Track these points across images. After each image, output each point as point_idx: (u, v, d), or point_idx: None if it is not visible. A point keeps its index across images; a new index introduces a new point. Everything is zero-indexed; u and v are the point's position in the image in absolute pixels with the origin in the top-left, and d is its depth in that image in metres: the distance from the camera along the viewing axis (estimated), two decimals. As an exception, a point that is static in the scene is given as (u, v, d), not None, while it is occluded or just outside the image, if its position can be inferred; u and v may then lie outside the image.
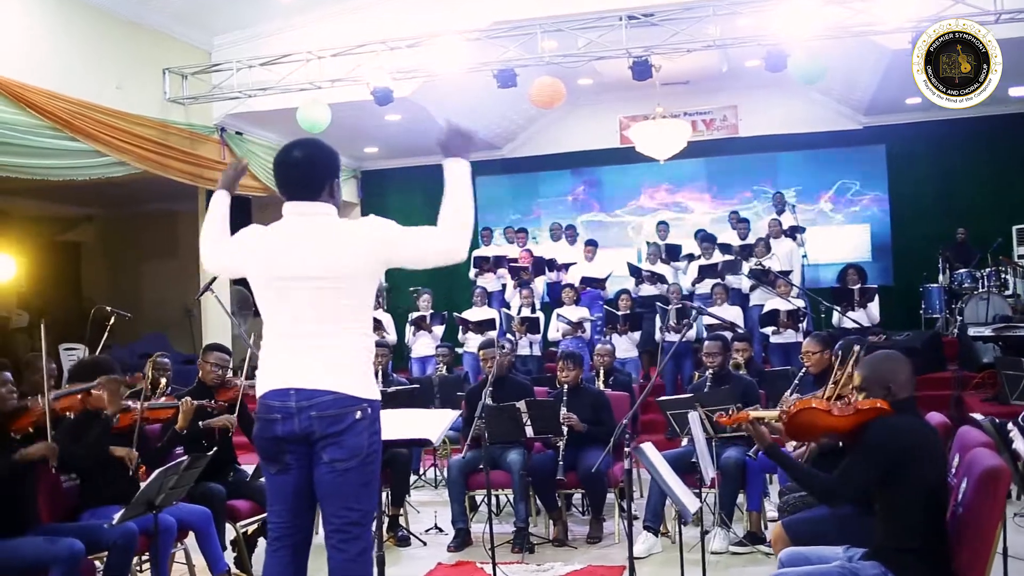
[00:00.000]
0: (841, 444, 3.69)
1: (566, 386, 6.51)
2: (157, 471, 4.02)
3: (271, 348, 3.26)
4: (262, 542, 5.76)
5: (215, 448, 5.29)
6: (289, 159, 3.32)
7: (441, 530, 6.73)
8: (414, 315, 10.62)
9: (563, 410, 6.30)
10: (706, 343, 6.54)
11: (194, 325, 14.54)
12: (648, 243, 11.82)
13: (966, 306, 11.62)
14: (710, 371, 6.44)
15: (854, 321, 9.23)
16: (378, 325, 10.53)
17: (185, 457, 4.13)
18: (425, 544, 6.47)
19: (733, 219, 12.25)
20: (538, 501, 6.45)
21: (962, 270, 12.05)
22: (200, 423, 5.53)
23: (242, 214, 12.04)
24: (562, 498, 6.48)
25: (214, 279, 6.22)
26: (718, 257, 10.97)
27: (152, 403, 5.27)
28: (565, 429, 6.25)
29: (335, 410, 3.12)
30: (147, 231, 15.52)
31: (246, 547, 5.65)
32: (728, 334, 7.90)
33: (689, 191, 14.36)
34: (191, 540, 5.15)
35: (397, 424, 3.40)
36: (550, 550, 6.20)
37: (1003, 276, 11.89)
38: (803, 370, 6.10)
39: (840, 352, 4.55)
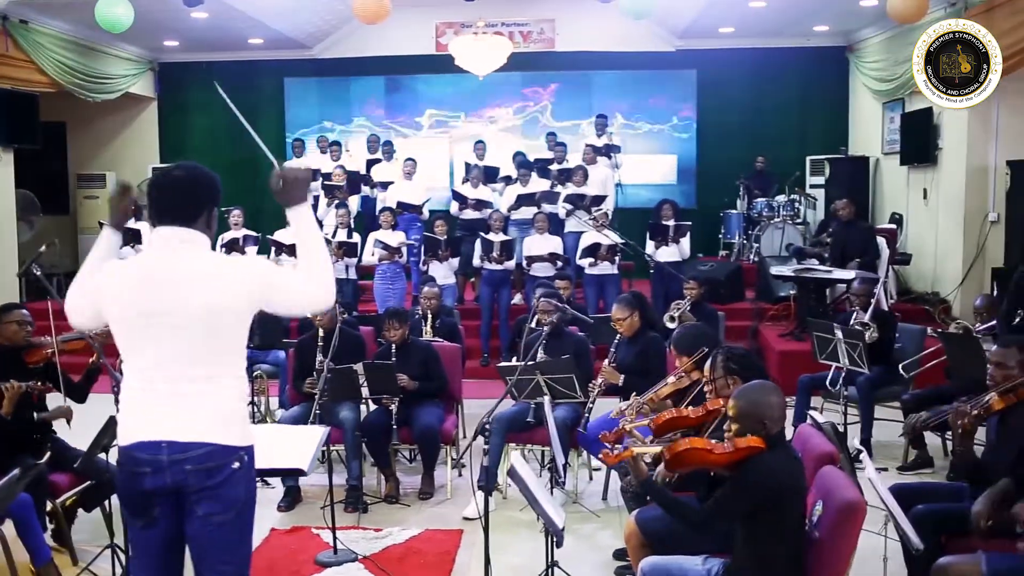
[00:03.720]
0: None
1: (394, 345, 6.43)
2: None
3: (136, 393, 2.99)
4: (82, 513, 5.47)
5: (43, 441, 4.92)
6: (168, 180, 3.05)
7: (267, 483, 6.56)
8: (226, 236, 10.08)
9: (392, 372, 6.25)
10: (541, 302, 6.58)
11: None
12: (469, 165, 11.64)
13: (763, 234, 12.25)
14: (545, 327, 6.47)
15: (653, 260, 9.58)
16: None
17: (16, 471, 3.79)
18: (253, 501, 6.29)
19: (551, 141, 12.26)
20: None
21: (760, 199, 12.63)
22: (36, 415, 5.12)
23: (28, 111, 11.14)
24: (392, 452, 6.45)
25: (40, 252, 5.65)
26: (535, 182, 10.97)
27: None
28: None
29: (212, 463, 2.92)
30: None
31: (65, 519, 5.32)
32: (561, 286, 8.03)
33: (505, 105, 14.22)
34: (8, 527, 4.80)
35: (264, 452, 3.21)
36: (384, 508, 6.18)
37: (797, 206, 12.56)
38: (617, 336, 6.24)
39: (706, 358, 4.66)
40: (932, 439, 6.89)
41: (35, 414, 5.20)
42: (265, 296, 3.01)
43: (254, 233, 10.28)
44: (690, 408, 4.33)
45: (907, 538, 3.60)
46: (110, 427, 4.73)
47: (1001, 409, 4.45)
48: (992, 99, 9.71)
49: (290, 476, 5.42)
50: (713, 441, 3.59)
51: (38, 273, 5.46)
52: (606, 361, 6.14)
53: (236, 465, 2.97)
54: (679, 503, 3.65)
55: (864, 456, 3.86)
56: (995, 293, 9.63)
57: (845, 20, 12.38)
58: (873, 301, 7.22)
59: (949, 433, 6.51)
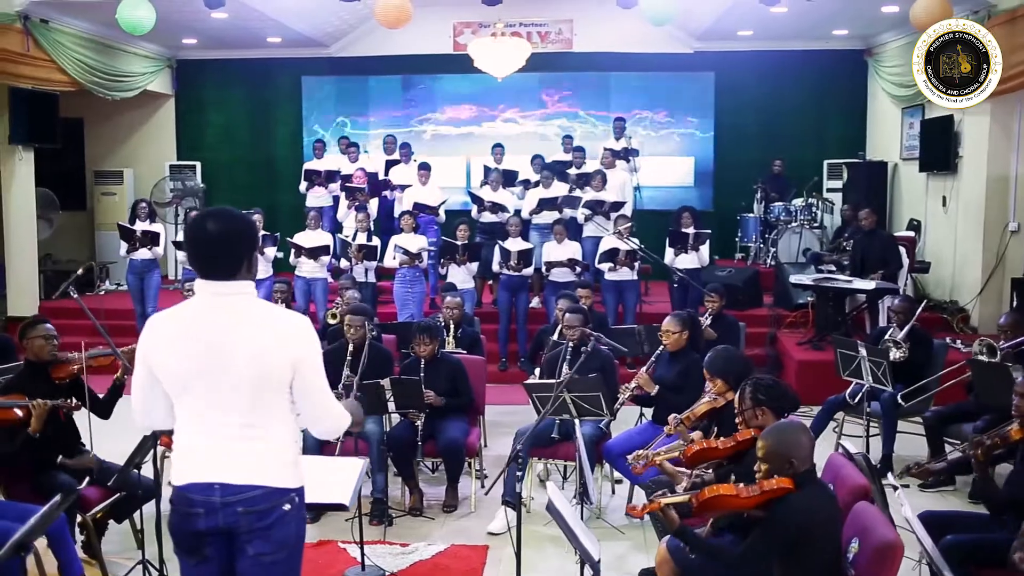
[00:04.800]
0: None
1: (423, 360, 6.46)
2: (34, 519, 3.71)
3: (190, 436, 3.04)
4: (112, 524, 5.52)
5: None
6: (204, 235, 3.01)
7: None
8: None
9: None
10: (566, 316, 6.61)
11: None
12: (488, 168, 11.66)
13: (780, 238, 12.25)
14: (570, 343, 6.50)
15: (678, 273, 9.60)
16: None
17: (56, 498, 3.83)
18: (278, 514, 6.34)
19: (568, 144, 12.26)
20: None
21: (777, 203, 12.62)
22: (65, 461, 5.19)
23: (48, 110, 11.17)
24: (415, 463, 6.49)
25: (76, 275, 5.68)
26: (556, 186, 10.97)
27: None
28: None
29: (264, 505, 2.97)
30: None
31: (96, 531, 5.37)
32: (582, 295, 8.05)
33: (522, 105, 14.22)
34: (40, 540, 4.84)
35: (305, 486, 3.24)
36: (409, 521, 6.22)
37: (814, 211, 12.56)
38: (661, 347, 6.30)
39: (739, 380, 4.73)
40: (954, 456, 6.91)
41: (59, 459, 5.24)
42: (297, 369, 3.05)
43: (273, 234, 10.29)
44: (720, 440, 4.37)
45: (943, 577, 3.63)
46: (144, 445, 4.79)
47: (1021, 439, 4.47)
48: (1014, 108, 9.71)
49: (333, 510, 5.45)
50: (739, 485, 3.62)
51: (75, 295, 5.50)
52: (644, 368, 6.18)
53: (287, 507, 3.02)
54: (714, 548, 3.69)
55: (900, 493, 3.87)
56: (1014, 303, 9.65)
57: (865, 24, 12.33)
58: (912, 320, 7.21)
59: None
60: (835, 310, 9.72)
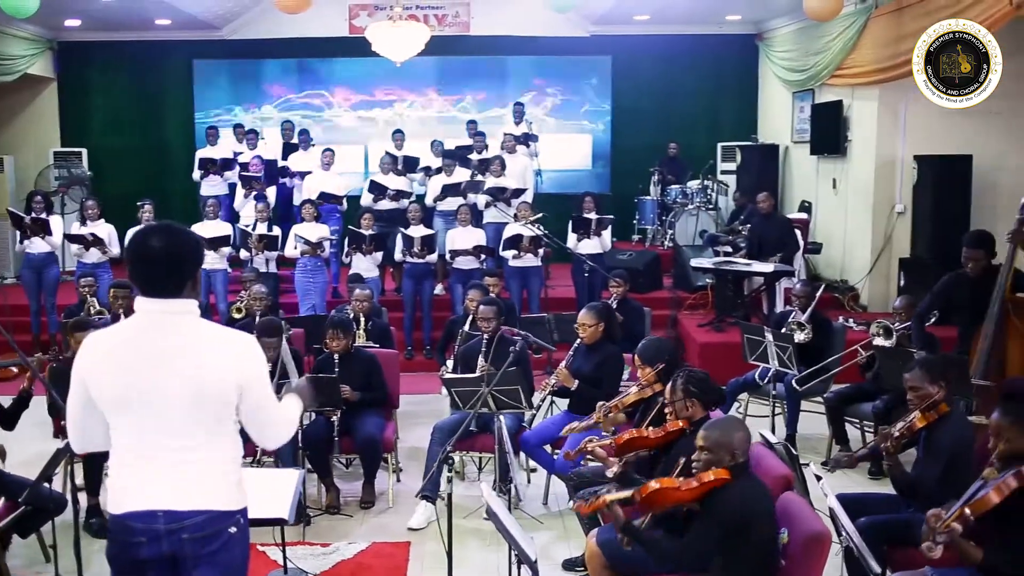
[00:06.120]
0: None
1: (336, 356, 6.39)
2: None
3: (128, 462, 2.93)
4: (17, 539, 5.32)
5: None
6: (147, 252, 2.91)
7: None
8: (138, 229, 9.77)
9: (338, 383, 6.21)
10: (481, 308, 6.61)
11: None
12: (388, 154, 11.54)
13: (677, 220, 12.48)
14: (485, 335, 6.52)
15: (588, 263, 9.70)
16: (98, 241, 9.73)
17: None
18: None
19: (471, 129, 12.23)
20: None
21: (674, 186, 12.85)
22: None
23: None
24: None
25: None
26: (459, 172, 10.94)
27: None
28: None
29: (210, 530, 2.90)
30: None
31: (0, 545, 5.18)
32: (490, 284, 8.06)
33: (419, 90, 14.13)
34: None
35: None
36: (327, 520, 6.15)
37: (710, 193, 12.83)
38: (578, 341, 6.34)
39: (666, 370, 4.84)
40: (854, 433, 7.20)
41: None
42: (244, 389, 2.98)
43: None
44: (650, 429, 4.46)
45: (866, 564, 3.76)
46: (57, 458, 4.63)
47: (925, 426, 4.67)
48: (901, 94, 10.04)
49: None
50: (680, 479, 3.71)
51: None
52: (563, 363, 6.22)
53: (233, 530, 2.96)
54: (657, 542, 3.77)
55: (824, 484, 3.99)
56: (902, 282, 10.05)
57: (757, 10, 12.62)
58: (813, 304, 7.43)
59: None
60: (734, 292, 9.98)
